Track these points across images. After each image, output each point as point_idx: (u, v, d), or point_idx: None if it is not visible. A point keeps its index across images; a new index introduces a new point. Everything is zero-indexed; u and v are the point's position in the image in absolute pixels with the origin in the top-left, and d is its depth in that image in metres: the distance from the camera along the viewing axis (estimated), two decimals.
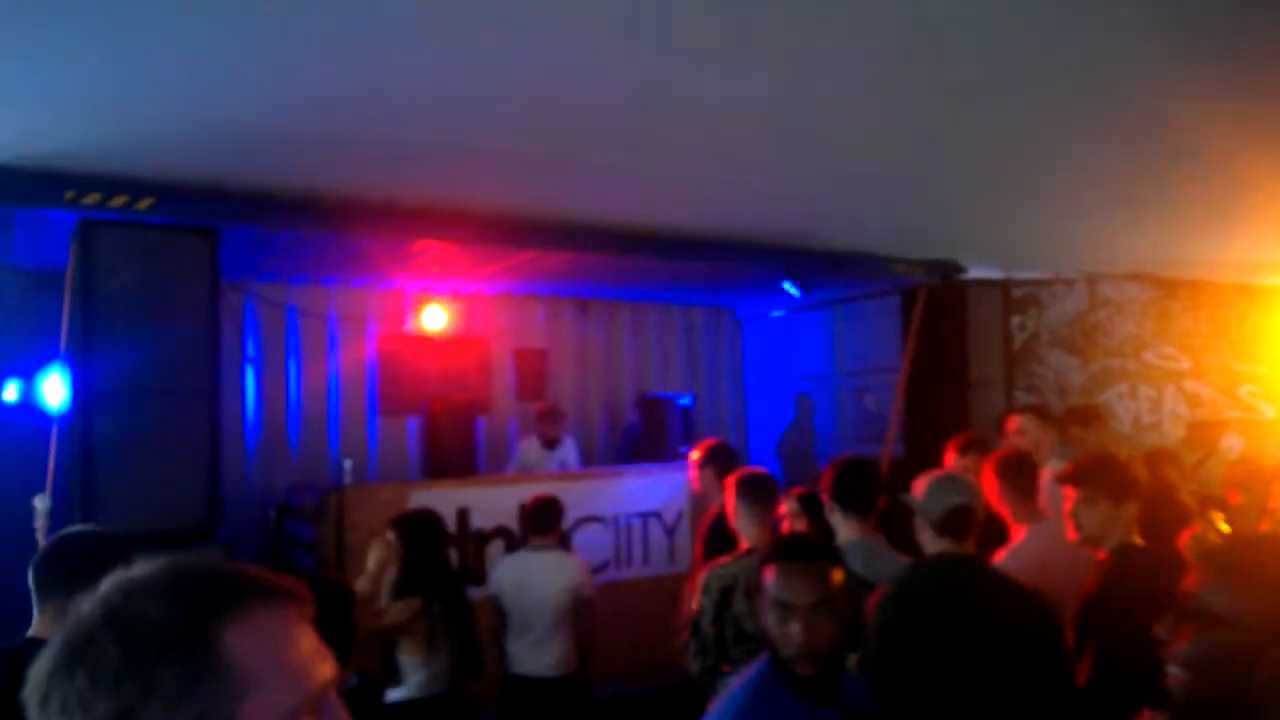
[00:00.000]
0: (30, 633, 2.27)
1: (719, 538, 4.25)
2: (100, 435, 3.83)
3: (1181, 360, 7.01)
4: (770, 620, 2.26)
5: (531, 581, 4.51)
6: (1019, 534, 3.68)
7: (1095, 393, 6.97)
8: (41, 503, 4.15)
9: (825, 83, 3.21)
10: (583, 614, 4.54)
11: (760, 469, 4.06)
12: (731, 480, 3.88)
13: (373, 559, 3.73)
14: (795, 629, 2.19)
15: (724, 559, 3.62)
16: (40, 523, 4.13)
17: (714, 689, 3.30)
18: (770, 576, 2.29)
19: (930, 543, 2.96)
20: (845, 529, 3.48)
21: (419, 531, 3.96)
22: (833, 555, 2.40)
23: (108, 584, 0.87)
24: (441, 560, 4.05)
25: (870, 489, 3.54)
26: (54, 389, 4.17)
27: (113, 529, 2.79)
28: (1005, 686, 2.62)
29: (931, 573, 2.91)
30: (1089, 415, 5.06)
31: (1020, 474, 3.78)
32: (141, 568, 0.89)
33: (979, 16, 2.71)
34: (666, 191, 4.65)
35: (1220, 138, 3.79)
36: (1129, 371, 7.03)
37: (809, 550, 2.37)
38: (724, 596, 3.44)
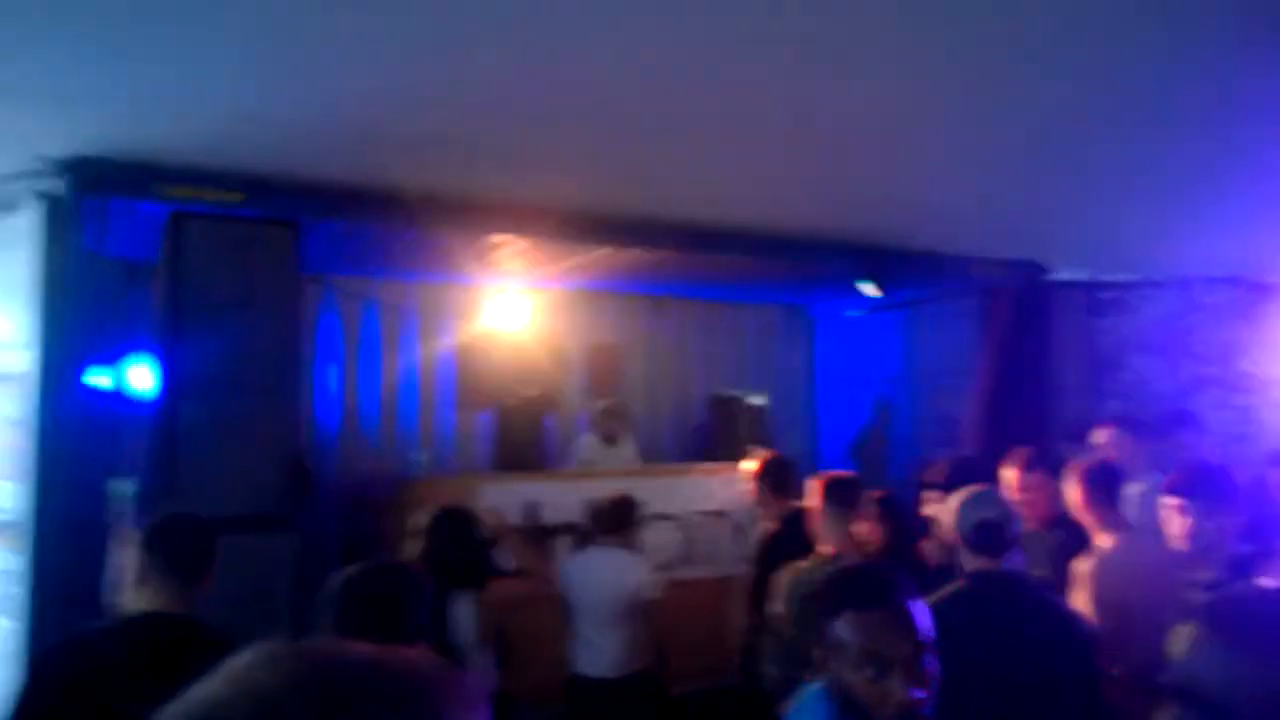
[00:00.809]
0: (145, 606, 2.37)
1: (777, 557, 4.09)
2: (187, 422, 3.94)
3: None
4: (857, 677, 1.81)
5: (594, 581, 4.48)
6: (1107, 541, 3.60)
7: (1184, 400, 6.70)
8: (123, 486, 4.27)
9: (919, 85, 3.15)
10: (640, 615, 4.45)
11: (848, 473, 3.96)
12: (819, 483, 3.78)
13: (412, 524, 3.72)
14: (894, 686, 1.77)
15: (802, 561, 3.56)
16: (120, 505, 4.25)
17: (786, 694, 3.24)
18: (847, 626, 1.84)
19: (968, 560, 2.95)
20: None
21: (435, 527, 3.76)
22: (908, 584, 1.93)
23: (226, 685, 0.69)
24: (448, 561, 3.69)
25: None
26: (142, 376, 4.30)
27: (198, 511, 2.88)
28: (1041, 705, 2.63)
29: (978, 591, 2.88)
30: (1195, 421, 4.86)
31: (1107, 482, 3.72)
32: (260, 660, 0.71)
33: (1077, 26, 2.64)
34: (745, 190, 4.61)
35: None
36: (1221, 379, 6.75)
37: (886, 589, 1.89)
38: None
